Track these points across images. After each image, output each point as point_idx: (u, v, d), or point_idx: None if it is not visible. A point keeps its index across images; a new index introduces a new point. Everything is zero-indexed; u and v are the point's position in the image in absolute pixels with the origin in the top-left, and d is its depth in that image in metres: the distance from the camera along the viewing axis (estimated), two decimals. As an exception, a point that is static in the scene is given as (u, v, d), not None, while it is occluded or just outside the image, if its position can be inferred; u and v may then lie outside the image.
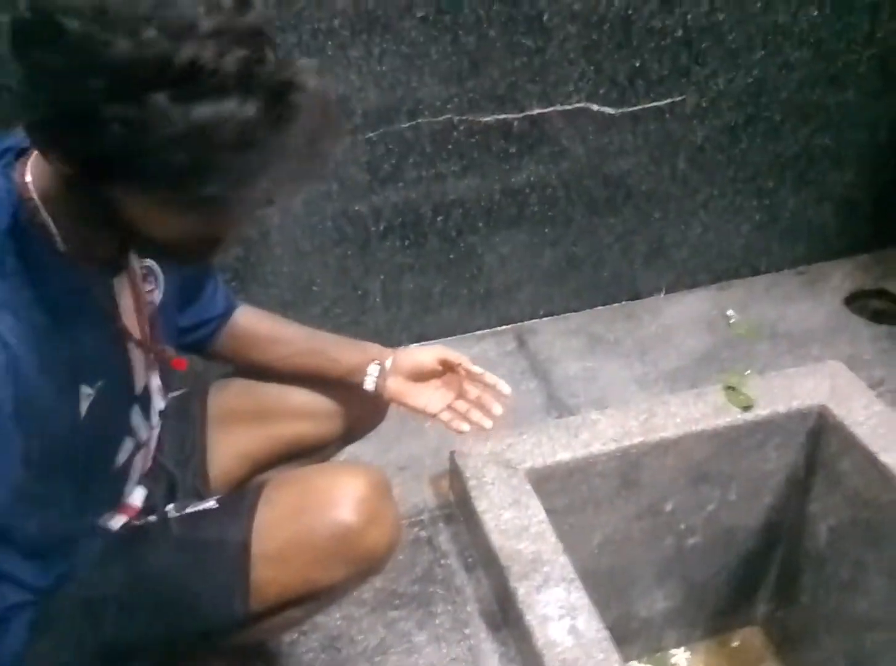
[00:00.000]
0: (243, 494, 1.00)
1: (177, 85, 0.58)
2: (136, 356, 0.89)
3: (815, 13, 1.67)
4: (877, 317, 1.99)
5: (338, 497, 0.91)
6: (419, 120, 1.53)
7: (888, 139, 1.89)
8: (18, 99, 0.64)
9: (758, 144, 1.81)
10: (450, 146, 1.59)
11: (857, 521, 1.50)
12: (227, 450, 1.12)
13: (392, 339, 1.76)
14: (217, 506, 0.97)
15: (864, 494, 1.47)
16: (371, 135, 1.52)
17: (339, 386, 1.14)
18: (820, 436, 1.56)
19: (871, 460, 1.44)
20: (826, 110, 1.81)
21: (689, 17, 1.58)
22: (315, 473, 1.00)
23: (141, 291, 0.89)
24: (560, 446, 1.43)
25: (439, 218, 1.67)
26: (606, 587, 1.58)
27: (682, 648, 1.83)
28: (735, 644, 1.85)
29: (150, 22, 0.58)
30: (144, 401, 0.94)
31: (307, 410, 1.14)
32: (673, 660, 1.82)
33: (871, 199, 1.98)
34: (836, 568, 1.58)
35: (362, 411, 1.18)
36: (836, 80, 1.77)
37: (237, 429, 1.13)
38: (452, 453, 1.43)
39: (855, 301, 2.02)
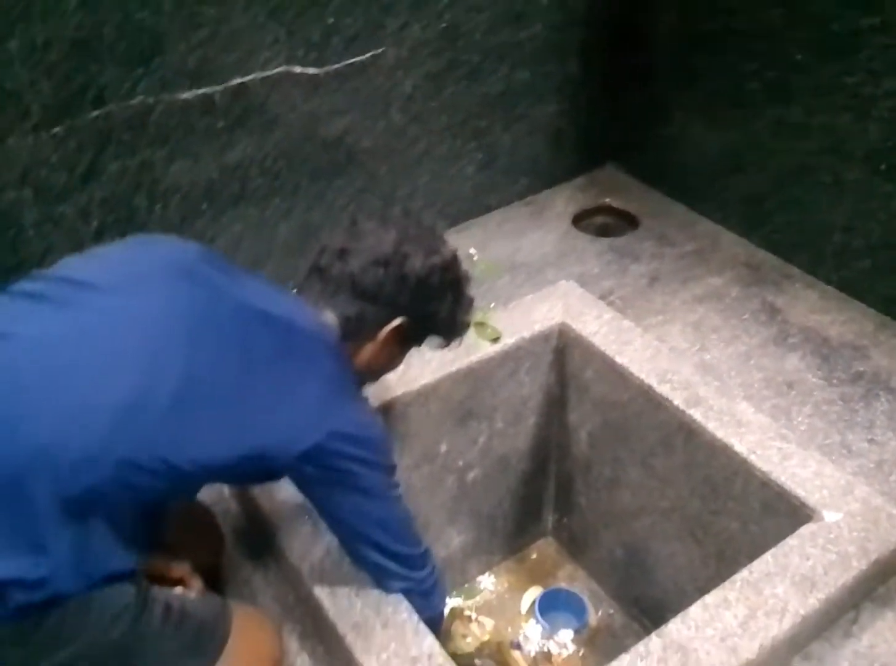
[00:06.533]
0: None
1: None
2: None
3: (490, -45, 1.74)
4: (602, 231, 2.16)
5: None
6: (108, 107, 1.43)
7: (578, 70, 2.03)
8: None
9: (464, 87, 1.87)
10: (150, 130, 1.50)
11: (608, 422, 1.64)
12: None
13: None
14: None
15: (608, 396, 1.61)
16: (56, 130, 1.39)
17: None
18: (564, 352, 1.67)
19: (609, 365, 1.57)
20: (519, 47, 1.90)
21: (368, -31, 1.58)
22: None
23: None
24: (324, 416, 1.43)
25: (157, 206, 1.58)
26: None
27: (487, 574, 1.93)
28: (533, 557, 1.98)
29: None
30: None
31: None
32: (481, 586, 1.91)
33: (574, 126, 2.12)
34: (600, 469, 1.72)
35: None
36: (523, 17, 1.86)
37: None
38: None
39: (581, 221, 2.17)
